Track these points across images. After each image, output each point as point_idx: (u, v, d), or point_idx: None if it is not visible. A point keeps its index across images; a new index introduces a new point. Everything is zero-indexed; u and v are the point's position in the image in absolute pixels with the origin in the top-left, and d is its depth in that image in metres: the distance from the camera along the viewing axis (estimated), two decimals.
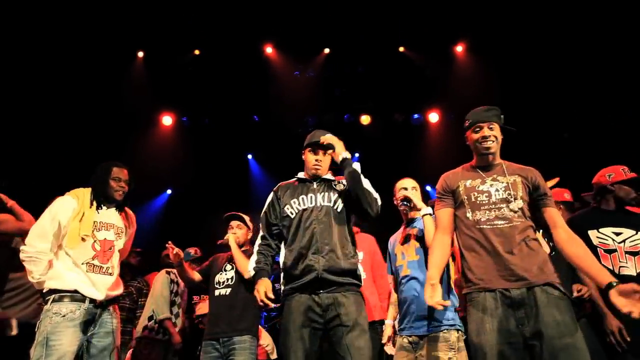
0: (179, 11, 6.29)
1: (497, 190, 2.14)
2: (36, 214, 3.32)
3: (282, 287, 2.41)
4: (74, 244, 2.44)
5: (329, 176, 2.61)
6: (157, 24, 6.46)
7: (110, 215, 2.65)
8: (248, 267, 2.53)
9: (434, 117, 7.67)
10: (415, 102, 7.61)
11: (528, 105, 6.20)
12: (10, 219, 3.04)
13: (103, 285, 2.49)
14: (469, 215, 2.15)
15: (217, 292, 3.16)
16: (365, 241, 3.60)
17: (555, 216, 2.12)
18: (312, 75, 7.44)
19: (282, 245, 2.50)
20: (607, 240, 2.81)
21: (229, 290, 3.13)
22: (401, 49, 7.13)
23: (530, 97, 6.22)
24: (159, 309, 3.88)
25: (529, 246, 2.03)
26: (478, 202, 2.14)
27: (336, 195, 2.48)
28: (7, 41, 5.62)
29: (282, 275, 2.43)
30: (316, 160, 2.55)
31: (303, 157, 2.64)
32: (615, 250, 2.79)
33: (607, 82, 5.80)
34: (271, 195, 2.62)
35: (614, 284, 1.82)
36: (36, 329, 2.34)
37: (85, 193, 2.59)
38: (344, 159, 2.47)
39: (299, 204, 2.46)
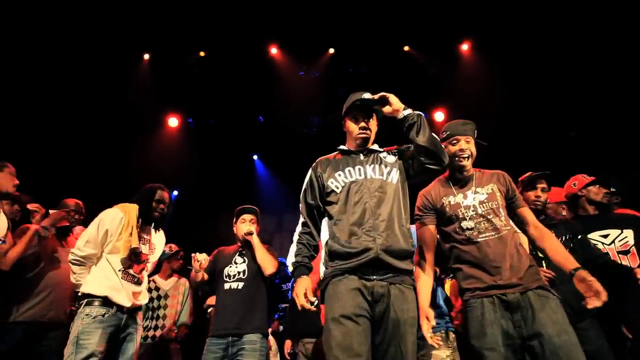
0: (184, 13, 6.32)
1: (480, 202, 2.24)
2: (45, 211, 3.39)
3: (324, 269, 2.06)
4: (122, 253, 2.67)
5: (376, 147, 2.29)
6: (163, 26, 6.51)
7: (148, 231, 2.92)
8: (286, 261, 2.18)
9: (439, 116, 7.64)
10: (420, 101, 7.58)
11: (533, 104, 6.17)
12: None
13: (132, 293, 2.71)
14: (458, 229, 2.23)
15: (227, 286, 3.00)
16: None
17: (527, 215, 2.27)
18: (317, 75, 7.44)
19: (325, 222, 2.18)
20: (597, 244, 2.85)
21: (241, 284, 3.00)
22: (406, 48, 7.13)
23: (535, 96, 6.18)
24: None
25: (519, 252, 2.15)
26: (467, 217, 2.22)
27: (388, 167, 2.16)
28: (14, 43, 5.68)
29: (324, 254, 2.09)
30: (361, 127, 2.23)
31: (344, 128, 2.33)
32: (607, 254, 2.81)
33: (611, 80, 5.75)
34: (309, 172, 2.27)
35: (574, 272, 1.99)
36: (70, 329, 2.55)
37: (132, 209, 2.81)
38: (406, 116, 2.09)
39: (345, 176, 2.15)
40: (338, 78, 7.42)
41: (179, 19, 6.41)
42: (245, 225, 3.17)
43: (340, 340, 1.80)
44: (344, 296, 1.89)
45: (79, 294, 2.65)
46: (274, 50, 7.30)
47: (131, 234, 2.71)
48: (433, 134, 2.09)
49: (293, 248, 2.16)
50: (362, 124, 2.24)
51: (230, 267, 3.08)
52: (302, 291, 1.95)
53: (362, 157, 2.22)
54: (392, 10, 6.40)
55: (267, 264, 3.02)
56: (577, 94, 6.08)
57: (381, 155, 2.24)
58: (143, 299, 2.83)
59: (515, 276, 2.06)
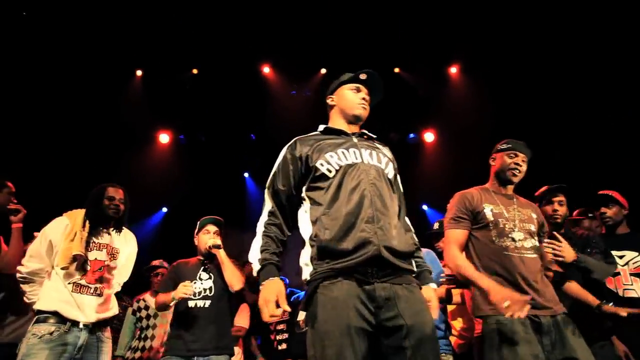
0: (177, 31, 6.38)
1: (521, 221, 2.22)
2: (31, 231, 3.29)
3: (311, 269, 1.65)
4: (64, 262, 2.38)
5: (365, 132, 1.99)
6: (156, 43, 6.55)
7: (104, 235, 2.62)
8: (250, 259, 1.76)
9: (429, 136, 7.75)
10: (410, 121, 7.70)
11: (521, 126, 6.29)
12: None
13: (89, 306, 2.41)
14: (495, 239, 2.17)
15: (191, 304, 2.80)
16: None
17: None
18: (309, 94, 7.52)
19: (306, 212, 1.76)
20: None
21: (207, 302, 2.82)
22: (396, 69, 7.26)
23: (524, 118, 6.31)
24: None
25: (547, 276, 2.19)
26: (506, 229, 2.18)
27: (385, 159, 1.84)
28: (8, 57, 5.66)
29: (311, 251, 1.67)
30: (362, 98, 1.94)
31: (333, 101, 2.01)
32: (619, 274, 2.80)
33: (599, 105, 5.90)
34: (284, 153, 1.88)
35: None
36: (17, 351, 2.31)
37: (78, 213, 2.57)
38: None
39: (339, 158, 1.76)
40: None
41: (172, 36, 6.46)
42: (208, 237, 2.99)
43: (332, 356, 1.45)
44: (339, 304, 1.51)
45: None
46: (266, 69, 7.38)
47: (72, 240, 2.43)
48: None
49: (258, 242, 1.74)
50: (363, 95, 1.94)
51: (195, 283, 2.85)
52: (274, 297, 1.55)
53: (354, 139, 1.88)
54: (383, 33, 6.54)
55: (235, 280, 2.88)
56: (564, 114, 6.23)
57: (376, 143, 1.95)
58: (108, 311, 2.53)
59: (546, 299, 2.07)
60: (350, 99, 1.94)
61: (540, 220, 2.31)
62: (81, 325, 2.35)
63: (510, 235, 2.16)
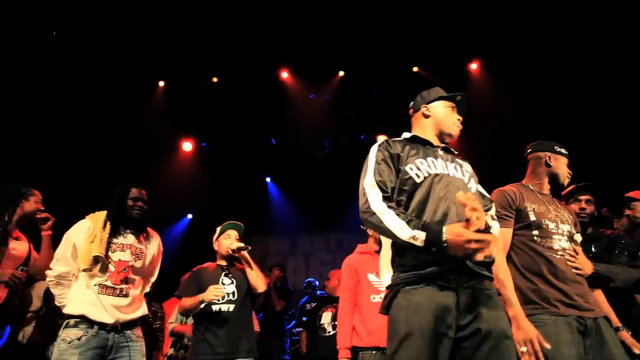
0: (196, 41, 6.51)
1: (561, 222, 2.21)
2: (56, 239, 3.39)
3: (392, 274, 1.68)
4: (85, 264, 2.37)
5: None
6: (177, 54, 6.70)
7: (127, 236, 2.57)
8: (266, 280, 1.78)
9: None
10: None
11: (541, 122, 6.14)
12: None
13: (115, 307, 2.39)
14: (537, 239, 2.15)
15: (215, 308, 2.83)
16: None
17: None
18: (327, 97, 7.54)
19: None
20: None
21: (231, 306, 2.86)
22: (415, 68, 7.20)
23: (545, 114, 6.16)
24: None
25: (585, 280, 2.16)
26: (549, 229, 2.16)
27: (467, 174, 1.85)
28: (30, 68, 5.88)
29: (389, 255, 1.71)
30: (458, 119, 1.96)
31: (427, 110, 1.96)
32: None
33: (622, 97, 5.72)
34: (377, 151, 1.81)
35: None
36: (49, 354, 2.34)
37: (100, 215, 2.55)
38: None
39: (428, 165, 1.77)
40: (348, 100, 7.50)
41: (191, 46, 6.59)
42: (230, 242, 3.02)
43: None
44: (421, 309, 1.53)
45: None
46: (284, 74, 7.44)
47: (92, 241, 2.40)
48: None
49: (395, 216, 1.60)
50: (458, 117, 1.96)
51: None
52: (467, 232, 1.47)
53: (440, 151, 1.88)
54: (400, 32, 6.50)
55: (260, 282, 2.92)
56: (585, 109, 6.05)
57: (458, 159, 1.92)
58: (136, 312, 2.51)
59: (588, 302, 2.06)
60: (449, 117, 1.95)
61: (575, 221, 2.31)
62: (109, 327, 2.34)
63: (553, 236, 2.15)
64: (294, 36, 6.54)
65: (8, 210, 2.78)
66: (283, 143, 7.89)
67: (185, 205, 8.28)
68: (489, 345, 1.52)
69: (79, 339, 2.25)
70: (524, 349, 1.76)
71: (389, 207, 1.64)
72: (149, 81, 7.24)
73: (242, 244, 2.97)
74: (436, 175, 1.74)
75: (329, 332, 3.87)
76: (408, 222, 1.57)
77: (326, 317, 3.94)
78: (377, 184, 1.70)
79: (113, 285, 2.42)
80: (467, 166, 1.92)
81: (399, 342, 1.52)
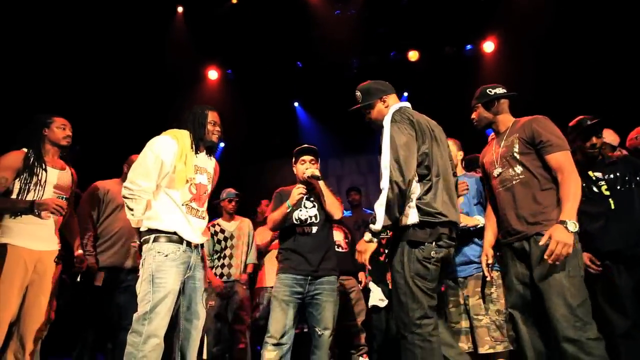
0: None
1: None
2: (89, 179, 3.44)
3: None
4: (180, 185, 2.40)
5: None
6: None
7: (204, 159, 2.61)
8: (341, 207, 2.24)
9: (489, 46, 7.11)
10: (467, 32, 7.06)
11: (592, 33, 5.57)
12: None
13: (199, 228, 2.49)
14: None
15: (299, 229, 2.99)
16: None
17: None
18: (353, 13, 7.07)
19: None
20: None
21: (315, 228, 2.99)
22: None
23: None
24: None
25: None
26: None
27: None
28: (50, 9, 5.75)
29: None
30: None
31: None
32: None
33: None
34: (401, 121, 2.29)
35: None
36: (140, 267, 2.36)
37: (184, 135, 2.50)
38: None
39: None
40: (376, 15, 7.01)
41: None
42: (305, 167, 3.07)
43: None
44: None
45: (142, 230, 2.41)
46: None
47: (185, 163, 2.42)
48: None
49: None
50: None
51: (301, 211, 3.02)
52: None
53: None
54: None
55: (336, 209, 3.02)
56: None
57: None
58: (207, 235, 2.64)
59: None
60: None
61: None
62: (193, 247, 2.43)
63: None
64: None
65: (32, 145, 2.80)
66: (309, 65, 7.61)
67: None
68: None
69: (174, 252, 2.34)
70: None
71: None
72: (167, 8, 6.97)
73: (315, 171, 3.00)
74: None
75: (344, 249, 4.28)
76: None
77: (337, 235, 4.18)
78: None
79: (198, 207, 2.49)
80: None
81: None
